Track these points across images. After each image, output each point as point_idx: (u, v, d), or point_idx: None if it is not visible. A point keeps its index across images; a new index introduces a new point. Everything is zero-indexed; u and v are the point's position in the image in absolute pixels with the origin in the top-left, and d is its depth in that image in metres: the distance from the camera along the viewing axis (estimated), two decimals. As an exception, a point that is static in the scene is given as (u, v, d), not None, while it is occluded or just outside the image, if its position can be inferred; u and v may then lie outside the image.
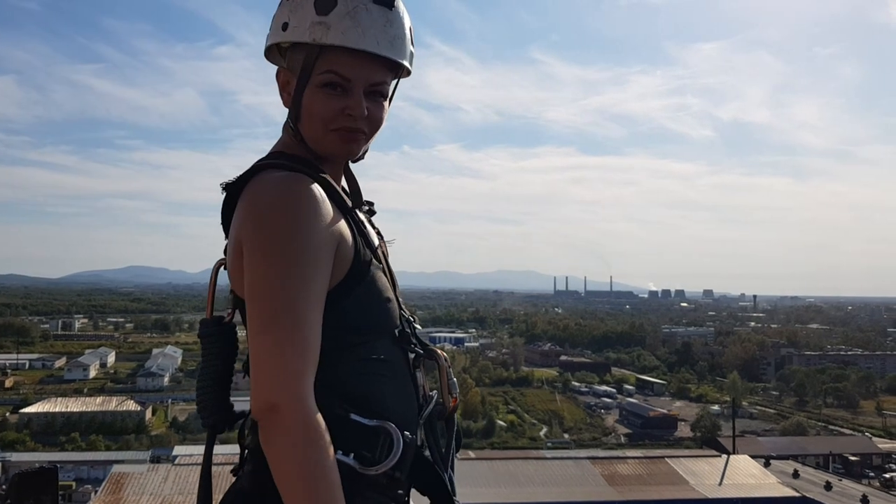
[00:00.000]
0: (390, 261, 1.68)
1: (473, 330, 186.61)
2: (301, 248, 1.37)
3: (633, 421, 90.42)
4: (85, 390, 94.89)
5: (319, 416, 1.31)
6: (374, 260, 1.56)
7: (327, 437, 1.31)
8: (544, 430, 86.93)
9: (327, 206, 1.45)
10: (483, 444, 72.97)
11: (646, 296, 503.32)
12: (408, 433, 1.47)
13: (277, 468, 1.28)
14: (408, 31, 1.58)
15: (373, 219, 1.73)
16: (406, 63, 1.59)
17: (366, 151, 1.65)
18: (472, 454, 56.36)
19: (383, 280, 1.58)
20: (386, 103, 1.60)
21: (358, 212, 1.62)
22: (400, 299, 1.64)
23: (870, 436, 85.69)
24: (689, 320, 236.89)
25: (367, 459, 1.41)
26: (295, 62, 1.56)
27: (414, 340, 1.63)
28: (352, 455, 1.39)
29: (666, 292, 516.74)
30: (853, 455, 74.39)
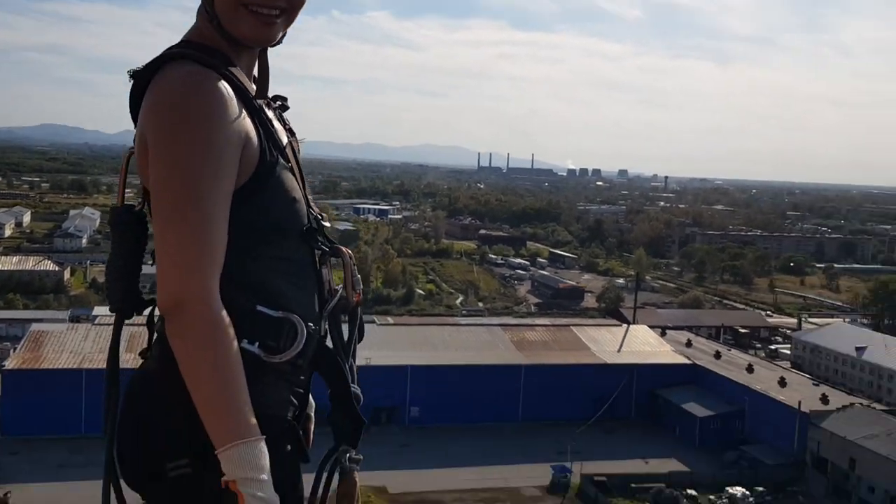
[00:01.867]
0: (300, 157, 1.73)
1: (397, 202, 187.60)
2: (206, 145, 1.39)
3: (543, 291, 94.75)
4: (0, 249, 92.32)
5: (224, 312, 1.38)
6: (281, 159, 1.59)
7: (231, 332, 1.38)
8: (460, 298, 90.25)
9: (233, 105, 1.46)
10: (402, 311, 75.59)
11: (565, 174, 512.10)
12: (311, 324, 1.57)
13: (184, 360, 1.36)
14: None
15: (286, 115, 1.79)
16: None
17: (284, 35, 1.64)
18: (391, 320, 58.62)
19: (291, 180, 1.61)
20: None
21: (267, 109, 1.65)
22: (309, 197, 1.70)
23: (761, 311, 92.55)
24: (603, 199, 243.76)
25: (271, 348, 1.50)
26: None
27: (320, 238, 1.69)
28: (257, 344, 1.48)
29: (584, 171, 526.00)
30: (743, 328, 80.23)
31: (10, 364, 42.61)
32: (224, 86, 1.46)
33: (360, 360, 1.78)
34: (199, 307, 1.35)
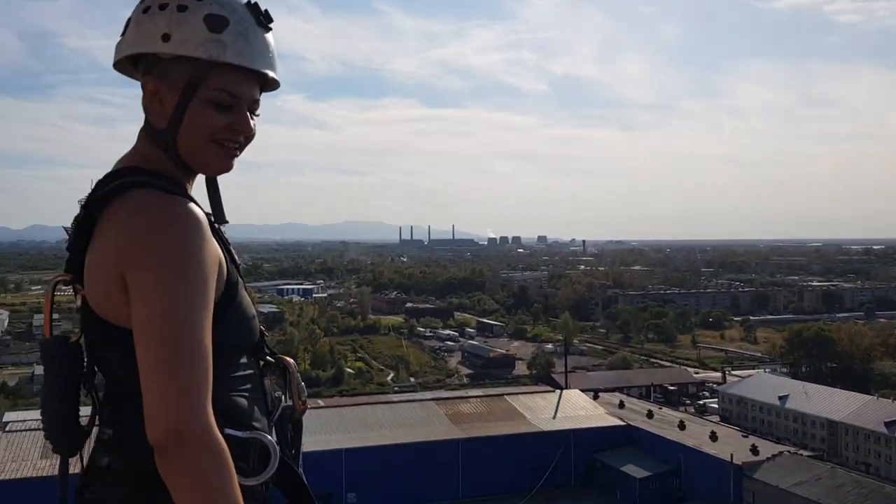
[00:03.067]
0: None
1: (321, 281, 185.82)
2: (194, 272, 1.37)
3: (474, 362, 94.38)
4: None
5: (222, 439, 1.33)
6: (240, 277, 1.60)
7: (230, 459, 1.33)
8: (391, 375, 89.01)
9: (209, 230, 1.46)
10: (332, 392, 73.94)
11: (485, 243, 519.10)
12: (274, 440, 1.55)
13: (186, 495, 1.28)
14: None
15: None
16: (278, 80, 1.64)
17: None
18: (321, 402, 57.17)
19: (247, 298, 1.61)
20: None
21: (221, 229, 1.66)
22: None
23: (686, 367, 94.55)
24: (525, 265, 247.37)
25: (244, 470, 1.45)
26: (174, 75, 1.51)
27: (266, 350, 1.70)
28: None
29: (504, 239, 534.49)
30: (672, 385, 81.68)
31: None
32: (199, 210, 1.46)
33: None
34: (203, 437, 1.29)
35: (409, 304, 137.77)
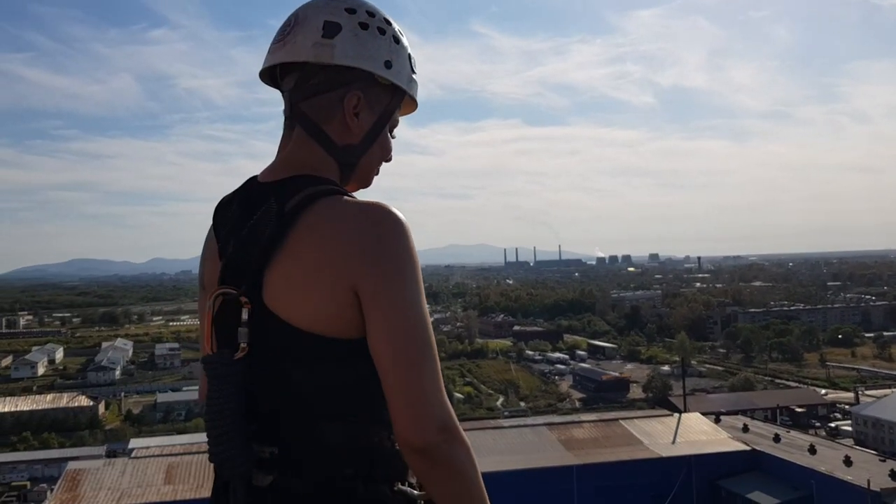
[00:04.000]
0: None
1: (427, 305, 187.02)
2: (420, 278, 1.47)
3: (586, 385, 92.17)
4: (34, 388, 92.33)
5: None
6: None
7: None
8: (501, 399, 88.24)
9: None
10: (442, 418, 73.73)
11: (594, 263, 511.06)
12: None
13: (459, 488, 1.37)
14: None
15: None
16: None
17: None
18: (431, 428, 56.96)
19: None
20: None
21: None
22: None
23: (815, 388, 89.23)
24: (636, 284, 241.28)
25: (412, 486, 1.48)
26: (381, 98, 1.61)
27: None
28: (407, 484, 1.47)
29: (613, 258, 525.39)
30: (799, 407, 77.16)
31: (46, 506, 41.57)
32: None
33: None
34: (462, 433, 1.38)
35: (516, 327, 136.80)
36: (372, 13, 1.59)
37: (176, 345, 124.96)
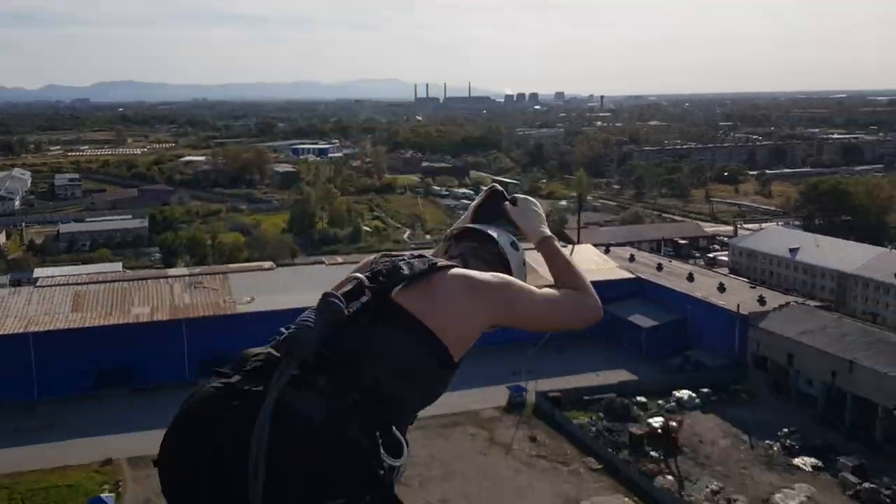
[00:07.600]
0: None
1: (336, 140, 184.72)
2: None
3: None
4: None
5: None
6: None
7: None
8: (407, 233, 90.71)
9: None
10: (350, 250, 75.56)
11: (502, 100, 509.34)
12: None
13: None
14: None
15: None
16: None
17: None
18: (339, 259, 58.66)
19: None
20: None
21: None
22: None
23: (698, 221, 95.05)
24: (541, 122, 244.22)
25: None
26: None
27: None
28: None
29: (521, 96, 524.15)
30: (682, 239, 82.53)
31: (-49, 334, 41.66)
32: None
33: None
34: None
35: (424, 163, 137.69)
36: None
37: (76, 175, 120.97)
